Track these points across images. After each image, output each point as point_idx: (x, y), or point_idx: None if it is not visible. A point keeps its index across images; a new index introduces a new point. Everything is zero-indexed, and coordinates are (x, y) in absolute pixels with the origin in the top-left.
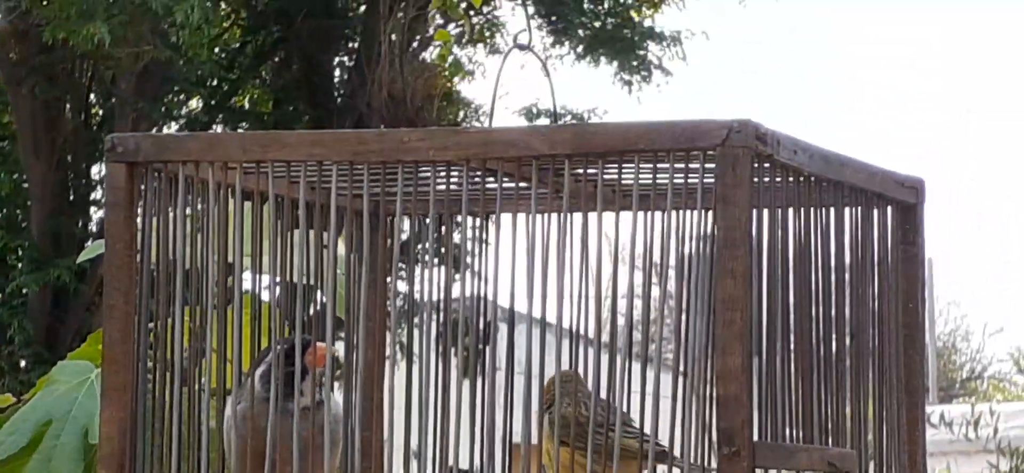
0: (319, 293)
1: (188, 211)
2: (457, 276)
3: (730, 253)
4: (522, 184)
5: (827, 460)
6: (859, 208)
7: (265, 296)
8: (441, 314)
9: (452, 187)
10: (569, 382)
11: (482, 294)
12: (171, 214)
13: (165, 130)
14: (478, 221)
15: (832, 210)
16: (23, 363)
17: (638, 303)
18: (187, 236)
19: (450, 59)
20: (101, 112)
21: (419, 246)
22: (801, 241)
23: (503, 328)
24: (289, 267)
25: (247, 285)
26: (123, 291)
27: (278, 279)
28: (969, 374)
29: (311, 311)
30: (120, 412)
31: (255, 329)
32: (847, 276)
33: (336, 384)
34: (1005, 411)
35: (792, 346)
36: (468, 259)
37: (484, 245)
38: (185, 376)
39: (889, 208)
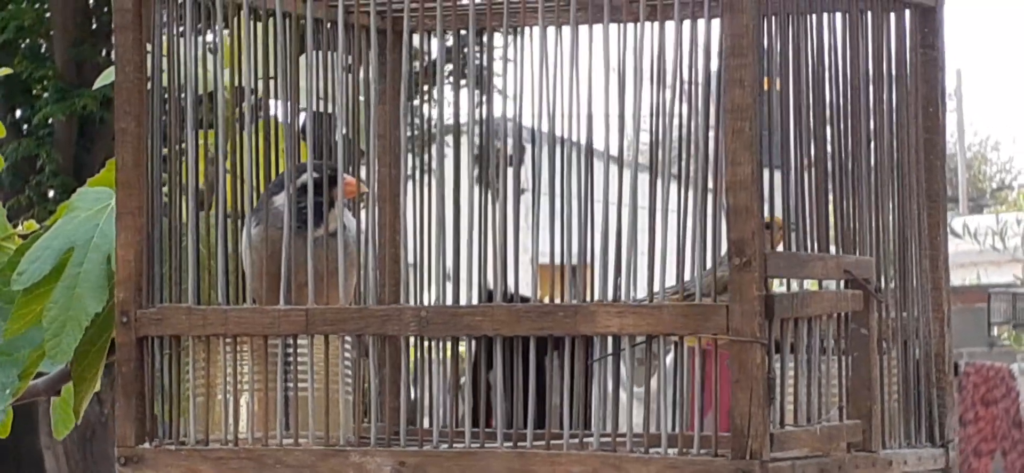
0: (340, 122)
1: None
2: (483, 97)
3: (738, 61)
4: None
5: (843, 268)
6: (877, 11)
7: (280, 118)
8: (465, 136)
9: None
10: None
11: (505, 115)
12: (178, 35)
13: None
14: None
15: (848, 15)
16: (51, 193)
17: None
18: (198, 58)
19: None
20: None
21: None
22: (816, 47)
23: (528, 149)
24: (308, 90)
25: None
26: (134, 114)
27: (294, 102)
28: (999, 184)
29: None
30: (136, 235)
31: (270, 152)
32: (863, 82)
33: (350, 208)
34: None
35: (809, 156)
36: (495, 80)
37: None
38: (200, 199)
39: (907, 11)
